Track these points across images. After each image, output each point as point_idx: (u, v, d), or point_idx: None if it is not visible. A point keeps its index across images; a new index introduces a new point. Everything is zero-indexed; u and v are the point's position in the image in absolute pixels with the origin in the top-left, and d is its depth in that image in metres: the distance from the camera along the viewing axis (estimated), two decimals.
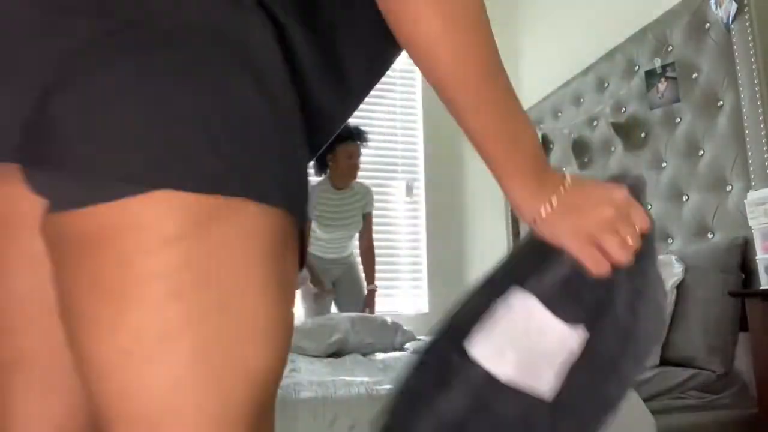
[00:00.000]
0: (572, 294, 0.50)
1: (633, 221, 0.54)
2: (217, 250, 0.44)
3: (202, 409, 0.44)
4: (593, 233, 0.53)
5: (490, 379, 0.48)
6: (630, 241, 0.53)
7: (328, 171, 2.99)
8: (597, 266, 0.52)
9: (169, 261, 0.43)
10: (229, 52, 0.46)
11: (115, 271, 0.43)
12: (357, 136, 2.93)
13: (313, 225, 2.90)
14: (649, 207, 2.46)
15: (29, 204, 0.49)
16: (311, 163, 2.51)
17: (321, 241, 3.01)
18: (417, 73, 4.07)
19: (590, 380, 0.48)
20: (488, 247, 3.84)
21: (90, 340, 0.44)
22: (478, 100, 0.57)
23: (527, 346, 0.49)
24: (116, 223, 0.43)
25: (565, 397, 0.47)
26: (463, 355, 0.50)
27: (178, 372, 0.43)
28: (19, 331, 0.54)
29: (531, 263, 0.53)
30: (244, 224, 0.45)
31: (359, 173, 3.03)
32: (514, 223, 3.61)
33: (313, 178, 3.01)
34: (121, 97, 0.43)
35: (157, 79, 0.44)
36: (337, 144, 2.85)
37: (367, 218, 3.09)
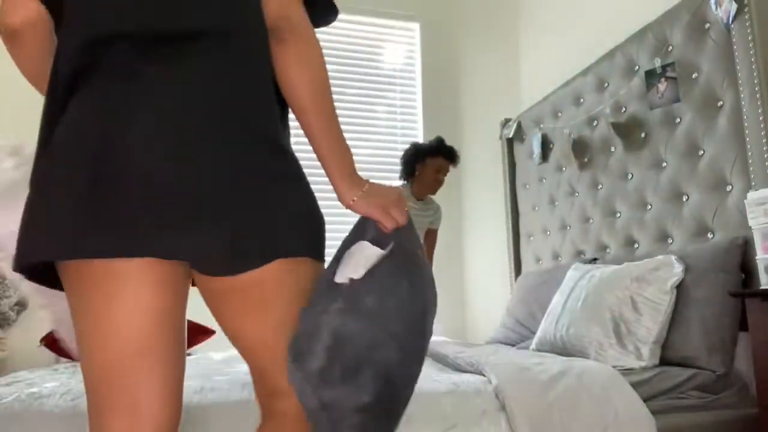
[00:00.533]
0: (377, 241, 0.95)
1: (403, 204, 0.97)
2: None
3: None
4: (386, 206, 0.95)
5: (351, 283, 0.89)
6: (403, 213, 0.96)
7: (412, 179, 3.00)
8: (389, 223, 0.94)
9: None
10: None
11: (301, 294, 0.92)
12: (450, 154, 2.94)
13: None
14: (649, 207, 2.46)
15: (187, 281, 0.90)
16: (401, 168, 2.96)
17: None
18: (417, 73, 4.07)
19: (387, 283, 0.90)
20: (487, 247, 3.84)
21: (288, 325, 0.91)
22: (329, 126, 0.94)
23: (361, 257, 0.92)
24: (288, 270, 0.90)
25: (373, 302, 0.88)
26: (334, 274, 0.92)
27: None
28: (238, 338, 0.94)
29: (361, 230, 0.97)
30: None
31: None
32: (514, 223, 3.61)
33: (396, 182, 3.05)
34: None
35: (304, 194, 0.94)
36: (429, 156, 2.89)
37: (432, 235, 3.12)
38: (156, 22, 0.84)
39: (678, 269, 2.02)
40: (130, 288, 0.80)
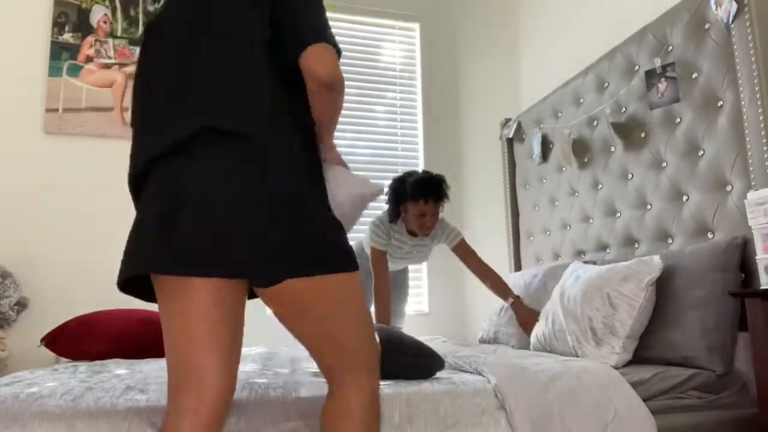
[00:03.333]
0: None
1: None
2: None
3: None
4: (339, 156, 1.36)
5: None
6: None
7: (400, 219, 2.82)
8: (343, 164, 1.35)
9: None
10: None
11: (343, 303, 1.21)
12: (431, 194, 2.66)
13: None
14: (649, 207, 2.46)
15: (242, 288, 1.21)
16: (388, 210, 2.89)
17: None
18: (417, 73, 4.07)
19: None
20: (488, 246, 3.84)
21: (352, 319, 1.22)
22: (334, 127, 1.35)
23: (347, 183, 1.27)
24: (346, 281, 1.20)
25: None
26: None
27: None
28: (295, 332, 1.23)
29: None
30: None
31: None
32: (514, 223, 3.61)
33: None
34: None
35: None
36: (409, 201, 2.68)
37: (461, 248, 2.86)
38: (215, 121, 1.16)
39: (656, 267, 2.03)
40: (197, 297, 1.13)
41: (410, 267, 3.59)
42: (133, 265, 1.12)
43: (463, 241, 2.88)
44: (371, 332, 1.27)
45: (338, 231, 1.19)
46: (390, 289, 2.97)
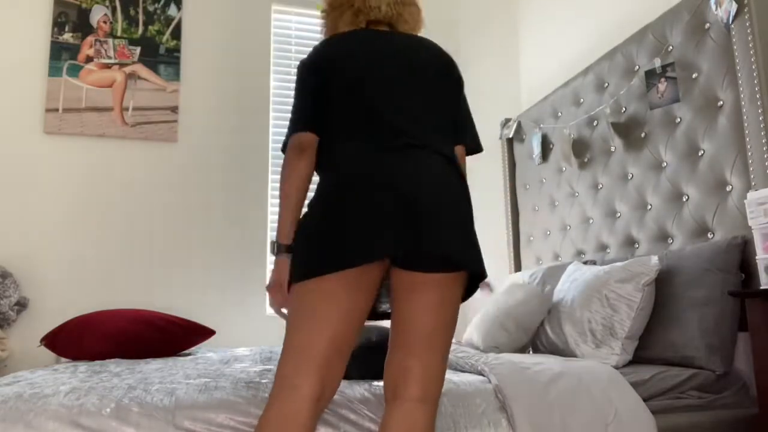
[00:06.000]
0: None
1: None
2: None
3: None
4: None
5: None
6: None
7: None
8: None
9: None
10: None
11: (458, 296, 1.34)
12: None
13: None
14: (649, 207, 2.46)
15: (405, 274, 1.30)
16: None
17: None
18: None
19: None
20: (488, 247, 3.84)
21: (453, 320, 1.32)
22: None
23: None
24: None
25: None
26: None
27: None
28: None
29: None
30: None
31: None
32: (514, 223, 3.61)
33: None
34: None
35: None
36: None
37: None
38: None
39: (653, 267, 2.03)
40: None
41: None
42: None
43: None
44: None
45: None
46: None
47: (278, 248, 1.30)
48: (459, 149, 1.47)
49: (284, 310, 1.40)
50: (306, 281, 1.21)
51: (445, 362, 1.30)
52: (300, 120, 1.33)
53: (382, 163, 1.24)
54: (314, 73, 1.36)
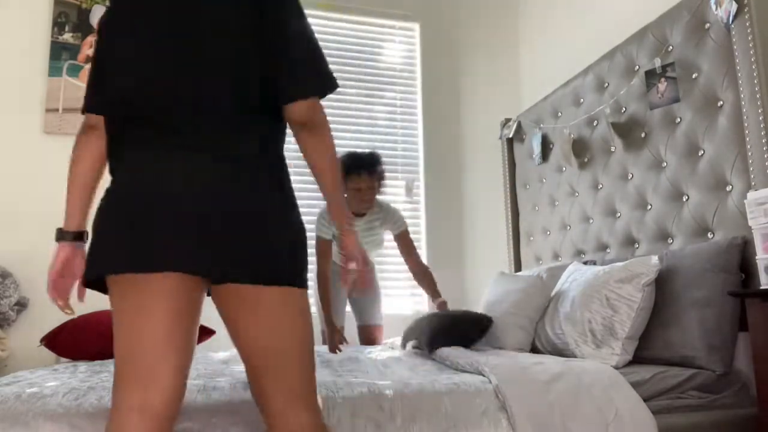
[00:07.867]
0: None
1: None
2: None
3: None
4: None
5: None
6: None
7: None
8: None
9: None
10: None
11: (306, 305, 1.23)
12: (361, 167, 2.67)
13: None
14: (649, 207, 2.46)
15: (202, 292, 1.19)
16: None
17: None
18: (417, 73, 4.07)
19: None
20: (488, 248, 3.84)
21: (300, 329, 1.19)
22: (335, 176, 1.26)
23: None
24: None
25: None
26: None
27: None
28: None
29: None
30: None
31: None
32: (514, 223, 3.61)
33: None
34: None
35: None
36: (346, 175, 2.67)
37: (402, 238, 2.85)
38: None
39: (653, 267, 2.03)
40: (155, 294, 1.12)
41: (391, 268, 3.58)
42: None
43: (407, 231, 2.86)
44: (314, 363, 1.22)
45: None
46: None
47: None
48: (290, 109, 1.20)
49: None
50: None
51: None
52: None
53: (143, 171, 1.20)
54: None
